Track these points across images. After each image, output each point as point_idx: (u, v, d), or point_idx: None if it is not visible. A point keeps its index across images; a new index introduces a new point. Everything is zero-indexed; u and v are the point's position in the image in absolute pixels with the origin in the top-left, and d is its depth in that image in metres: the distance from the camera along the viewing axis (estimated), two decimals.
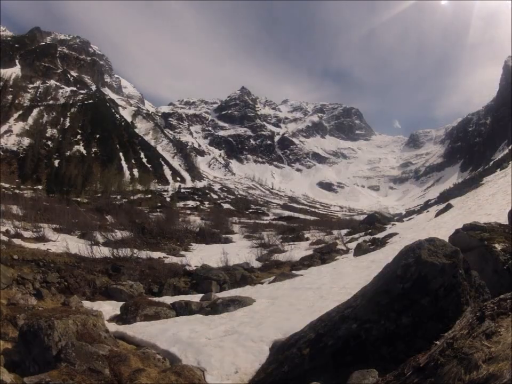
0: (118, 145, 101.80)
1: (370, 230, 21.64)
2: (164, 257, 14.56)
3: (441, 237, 3.54)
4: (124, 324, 5.39)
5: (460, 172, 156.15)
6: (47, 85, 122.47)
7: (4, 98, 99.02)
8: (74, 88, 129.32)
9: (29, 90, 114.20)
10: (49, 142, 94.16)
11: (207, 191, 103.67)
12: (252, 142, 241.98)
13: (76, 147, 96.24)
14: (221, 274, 10.40)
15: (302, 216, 65.94)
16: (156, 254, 14.77)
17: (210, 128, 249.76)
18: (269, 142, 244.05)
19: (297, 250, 18.41)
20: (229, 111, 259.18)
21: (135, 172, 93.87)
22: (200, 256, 15.41)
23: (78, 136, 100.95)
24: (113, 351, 3.54)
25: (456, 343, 2.16)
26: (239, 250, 18.80)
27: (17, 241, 12.25)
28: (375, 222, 24.69)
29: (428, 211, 28.32)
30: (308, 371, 3.06)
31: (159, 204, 58.94)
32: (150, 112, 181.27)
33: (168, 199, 72.28)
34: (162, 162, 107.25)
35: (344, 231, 25.28)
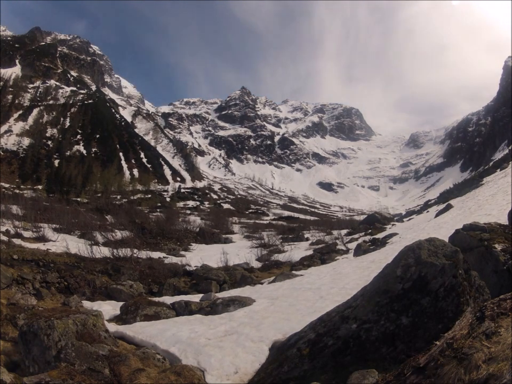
0: (118, 145, 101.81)
1: (370, 230, 21.66)
2: (163, 257, 14.57)
3: (441, 237, 3.53)
4: (123, 324, 5.38)
5: (460, 172, 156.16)
6: (47, 85, 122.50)
7: (4, 98, 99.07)
8: (74, 88, 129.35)
9: (29, 90, 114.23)
10: (49, 142, 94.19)
11: (207, 191, 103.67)
12: (252, 142, 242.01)
13: (76, 147, 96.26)
14: (220, 274, 10.39)
15: (302, 216, 66.02)
16: (155, 254, 14.78)
17: (210, 128, 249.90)
18: (269, 142, 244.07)
19: (297, 251, 18.43)
20: (229, 111, 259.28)
21: (135, 171, 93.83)
22: (200, 256, 15.41)
23: (78, 136, 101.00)
24: (113, 351, 3.54)
25: (456, 343, 2.15)
26: (239, 250, 18.82)
27: (17, 241, 12.25)
28: (375, 222, 24.68)
29: (427, 211, 28.31)
30: (308, 371, 3.06)
31: (159, 204, 59.05)
32: (150, 112, 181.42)
33: (168, 199, 72.30)
34: (162, 162, 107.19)
35: (344, 231, 25.30)
